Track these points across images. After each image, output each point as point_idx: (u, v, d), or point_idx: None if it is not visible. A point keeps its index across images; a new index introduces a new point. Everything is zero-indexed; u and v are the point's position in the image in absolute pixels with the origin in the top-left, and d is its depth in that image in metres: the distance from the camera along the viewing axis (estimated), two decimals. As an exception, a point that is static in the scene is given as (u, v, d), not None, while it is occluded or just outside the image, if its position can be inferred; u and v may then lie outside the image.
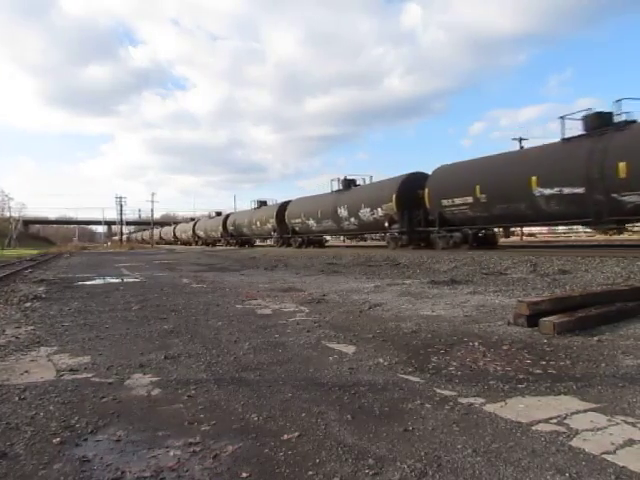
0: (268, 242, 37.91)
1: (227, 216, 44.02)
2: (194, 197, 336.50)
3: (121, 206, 69.89)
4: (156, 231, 77.48)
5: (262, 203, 36.95)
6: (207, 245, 48.71)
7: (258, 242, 40.77)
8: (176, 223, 77.05)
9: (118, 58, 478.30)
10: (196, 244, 53.48)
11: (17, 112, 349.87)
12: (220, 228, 43.58)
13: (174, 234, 66.45)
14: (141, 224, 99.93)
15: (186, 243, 59.69)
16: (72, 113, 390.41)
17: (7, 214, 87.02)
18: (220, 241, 45.17)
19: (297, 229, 28.90)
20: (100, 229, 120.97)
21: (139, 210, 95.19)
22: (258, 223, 34.63)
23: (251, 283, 9.07)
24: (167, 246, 60.84)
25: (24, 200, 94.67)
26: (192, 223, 57.87)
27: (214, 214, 51.17)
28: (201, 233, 52.00)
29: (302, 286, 8.23)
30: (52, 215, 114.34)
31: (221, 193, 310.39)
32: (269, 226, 32.77)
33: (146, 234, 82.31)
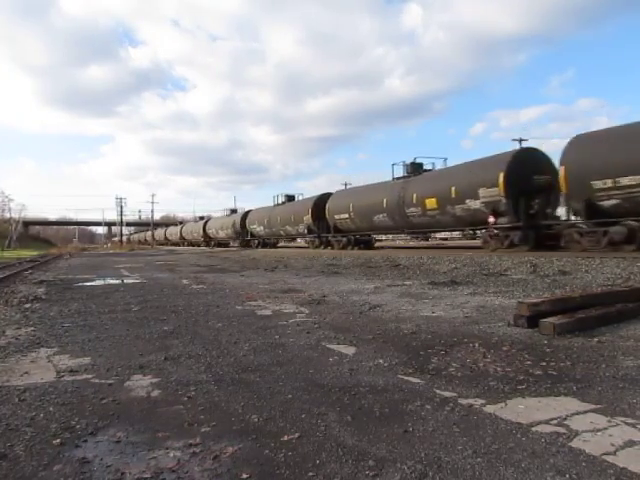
0: (299, 242, 34.85)
1: (246, 213, 39.54)
2: (194, 198, 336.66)
3: (121, 207, 70.09)
4: (160, 231, 75.28)
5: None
6: (220, 246, 44.72)
7: (283, 242, 36.77)
8: (182, 223, 71.53)
9: (118, 58, 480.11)
10: (207, 245, 49.03)
11: (17, 113, 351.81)
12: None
13: (181, 234, 61.44)
14: (141, 225, 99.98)
15: (195, 244, 54.92)
16: (72, 114, 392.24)
17: (7, 215, 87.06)
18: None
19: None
20: (100, 230, 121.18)
21: (139, 211, 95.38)
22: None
23: (251, 284, 9.06)
24: (167, 247, 59.68)
25: (24, 201, 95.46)
26: (202, 222, 53.12)
27: (228, 212, 46.94)
28: (213, 233, 47.44)
29: (302, 287, 8.23)
30: (52, 216, 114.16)
31: (221, 194, 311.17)
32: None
33: (146, 235, 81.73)
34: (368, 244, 24.42)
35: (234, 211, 44.51)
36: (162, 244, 70.07)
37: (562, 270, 8.86)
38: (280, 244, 36.80)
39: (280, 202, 33.38)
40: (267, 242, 35.30)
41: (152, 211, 71.99)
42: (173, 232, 67.06)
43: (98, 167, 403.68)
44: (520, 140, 36.66)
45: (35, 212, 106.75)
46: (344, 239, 24.07)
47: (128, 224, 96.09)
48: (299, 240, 34.45)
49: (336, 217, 24.07)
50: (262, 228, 34.42)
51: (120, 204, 70.22)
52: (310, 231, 26.99)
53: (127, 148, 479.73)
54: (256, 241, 36.28)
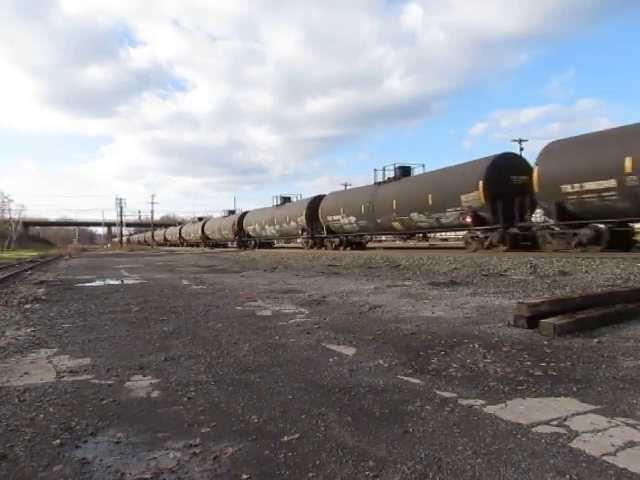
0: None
1: (243, 215, 38.77)
2: (194, 198, 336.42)
3: (121, 207, 70.04)
4: (159, 232, 72.40)
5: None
6: (218, 247, 43.79)
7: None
8: (181, 223, 70.57)
9: (118, 59, 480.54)
10: (206, 246, 47.75)
11: (17, 113, 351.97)
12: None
13: (203, 232, 56.19)
14: (141, 225, 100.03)
15: (194, 245, 53.78)
16: (72, 114, 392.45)
17: (7, 216, 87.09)
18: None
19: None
20: (100, 230, 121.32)
21: (139, 211, 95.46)
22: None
23: (251, 285, 9.06)
24: (168, 248, 58.26)
25: (24, 201, 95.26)
26: (200, 223, 52.60)
27: (226, 213, 46.02)
28: (211, 234, 46.86)
29: (302, 288, 8.22)
30: (52, 217, 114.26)
31: (221, 194, 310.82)
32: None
33: (146, 235, 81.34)
34: (360, 245, 17.28)
35: (287, 200, 32.15)
36: (175, 244, 63.14)
37: (562, 270, 8.87)
38: (371, 244, 26.91)
39: (391, 177, 21.07)
40: (354, 241, 24.54)
41: (152, 211, 72.15)
42: (191, 230, 57.29)
43: (98, 167, 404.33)
44: (520, 140, 36.72)
45: (35, 213, 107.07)
46: (585, 233, 12.28)
47: (128, 224, 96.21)
48: (403, 239, 23.65)
49: (568, 190, 12.43)
50: (353, 219, 22.79)
51: (120, 204, 70.26)
52: (479, 220, 15.39)
53: (127, 148, 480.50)
54: (337, 239, 24.83)
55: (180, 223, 74.51)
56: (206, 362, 3.37)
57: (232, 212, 47.41)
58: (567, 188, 12.51)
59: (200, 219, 60.60)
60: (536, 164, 13.59)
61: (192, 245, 55.43)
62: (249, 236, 37.53)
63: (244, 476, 1.74)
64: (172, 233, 67.56)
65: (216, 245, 47.19)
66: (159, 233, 73.47)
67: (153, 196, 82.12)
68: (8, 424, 2.28)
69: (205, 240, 50.61)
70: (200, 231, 51.61)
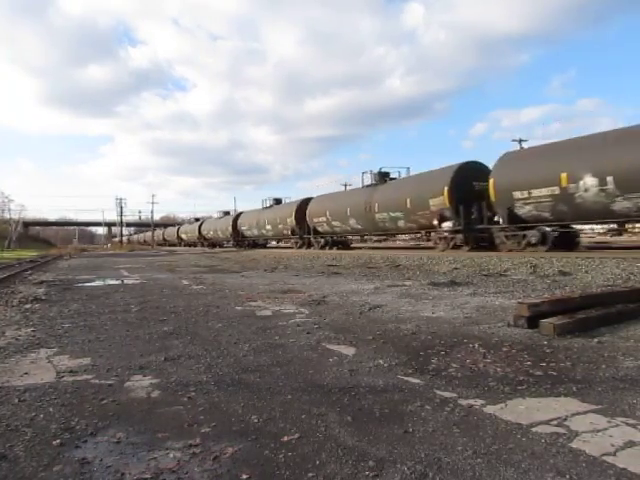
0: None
1: (237, 215, 40.15)
2: (194, 199, 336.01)
3: (121, 208, 69.86)
4: (159, 232, 75.61)
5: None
6: (213, 247, 44.43)
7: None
8: (179, 224, 75.99)
9: (117, 58, 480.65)
10: (202, 246, 48.77)
11: (16, 113, 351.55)
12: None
13: (164, 237, 67.17)
14: (141, 225, 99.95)
15: (172, 245, 60.17)
16: (71, 114, 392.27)
17: (7, 216, 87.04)
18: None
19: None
20: (100, 231, 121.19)
21: (139, 212, 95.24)
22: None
23: (251, 285, 9.06)
24: (168, 248, 59.97)
25: (24, 202, 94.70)
26: (176, 227, 60.52)
27: (222, 214, 46.73)
28: (184, 235, 53.60)
29: (302, 288, 8.22)
30: (52, 217, 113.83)
31: (221, 195, 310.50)
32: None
33: (147, 235, 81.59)
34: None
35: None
36: (161, 245, 67.09)
37: (562, 271, 8.87)
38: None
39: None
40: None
41: (152, 212, 72.02)
42: (172, 233, 62.70)
43: (98, 167, 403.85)
44: (520, 140, 36.65)
45: (35, 213, 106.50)
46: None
47: (128, 225, 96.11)
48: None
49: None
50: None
51: (120, 205, 70.06)
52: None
53: (127, 148, 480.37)
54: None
55: (175, 225, 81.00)
56: (206, 362, 3.37)
57: (197, 219, 57.69)
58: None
59: (179, 223, 71.90)
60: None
61: (172, 245, 63.80)
62: (205, 238, 48.48)
63: (244, 476, 1.74)
64: (159, 235, 75.23)
65: (188, 245, 55.27)
66: (159, 233, 75.57)
67: (153, 196, 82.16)
68: (8, 424, 2.28)
69: (181, 241, 59.78)
70: (176, 234, 61.15)
